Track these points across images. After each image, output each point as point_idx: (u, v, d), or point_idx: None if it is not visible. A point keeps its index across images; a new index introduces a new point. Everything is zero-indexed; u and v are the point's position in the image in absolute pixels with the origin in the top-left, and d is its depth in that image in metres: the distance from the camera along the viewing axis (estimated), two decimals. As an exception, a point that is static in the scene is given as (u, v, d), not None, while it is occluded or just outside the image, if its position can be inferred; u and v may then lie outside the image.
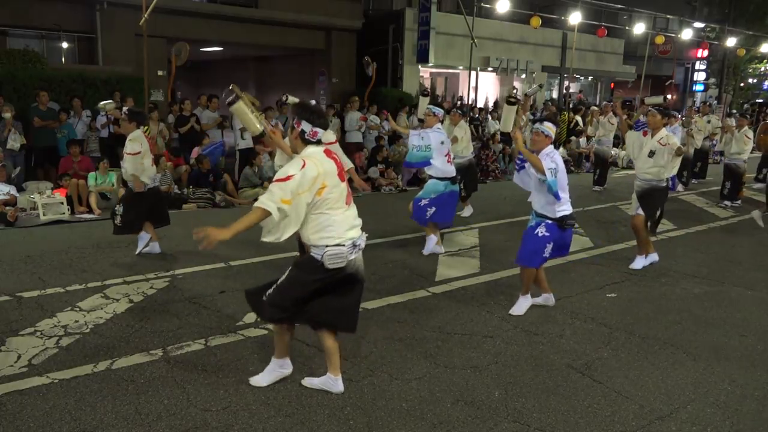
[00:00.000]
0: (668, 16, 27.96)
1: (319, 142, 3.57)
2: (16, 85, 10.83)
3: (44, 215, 8.65)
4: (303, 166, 3.41)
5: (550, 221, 5.12)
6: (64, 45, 14.17)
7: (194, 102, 12.13)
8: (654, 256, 6.86)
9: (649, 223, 6.83)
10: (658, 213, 6.92)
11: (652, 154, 6.49)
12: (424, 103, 7.90)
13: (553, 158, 4.98)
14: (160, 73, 14.06)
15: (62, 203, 8.90)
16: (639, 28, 22.45)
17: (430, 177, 7.07)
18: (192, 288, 5.67)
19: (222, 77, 22.10)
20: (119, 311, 5.08)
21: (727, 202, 10.95)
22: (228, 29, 15.45)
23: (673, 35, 25.34)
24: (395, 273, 6.36)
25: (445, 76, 21.88)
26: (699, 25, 28.94)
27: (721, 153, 13.72)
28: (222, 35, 15.61)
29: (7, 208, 8.29)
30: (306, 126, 3.54)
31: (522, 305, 5.32)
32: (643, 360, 4.43)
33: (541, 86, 12.64)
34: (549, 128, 5.07)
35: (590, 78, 26.64)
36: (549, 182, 4.93)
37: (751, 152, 11.38)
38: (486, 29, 19.55)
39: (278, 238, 3.47)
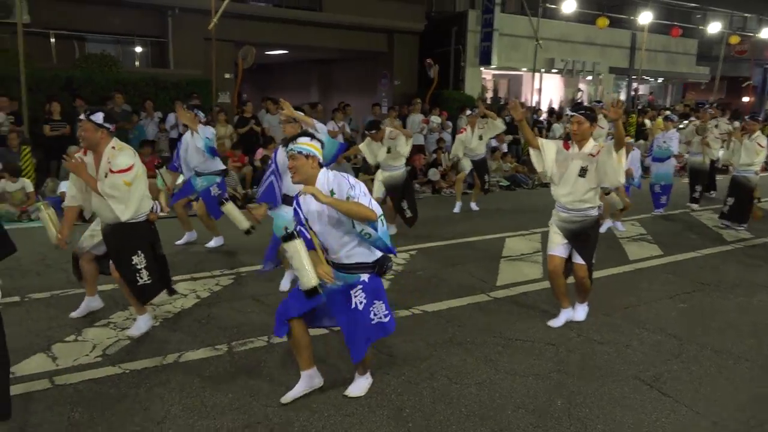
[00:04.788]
0: (745, 14, 26.69)
1: None
2: (94, 88, 11.40)
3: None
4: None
5: (366, 275, 3.53)
6: (138, 49, 14.80)
7: (258, 105, 12.39)
8: (570, 312, 5.10)
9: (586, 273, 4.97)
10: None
11: (584, 172, 4.73)
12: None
13: (347, 181, 3.37)
14: (227, 75, 14.48)
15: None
16: (714, 28, 21.57)
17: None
18: (256, 285, 5.80)
19: (286, 80, 22.57)
20: (187, 306, 5.25)
21: (726, 222, 8.96)
22: (293, 32, 15.76)
23: (750, 34, 24.22)
24: (456, 276, 6.31)
25: (508, 78, 21.61)
26: (779, 23, 27.52)
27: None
28: (287, 38, 15.93)
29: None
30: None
31: (362, 385, 3.83)
32: (716, 374, 4.23)
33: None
34: (308, 145, 3.33)
35: (660, 80, 25.74)
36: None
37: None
38: (551, 30, 19.20)
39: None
